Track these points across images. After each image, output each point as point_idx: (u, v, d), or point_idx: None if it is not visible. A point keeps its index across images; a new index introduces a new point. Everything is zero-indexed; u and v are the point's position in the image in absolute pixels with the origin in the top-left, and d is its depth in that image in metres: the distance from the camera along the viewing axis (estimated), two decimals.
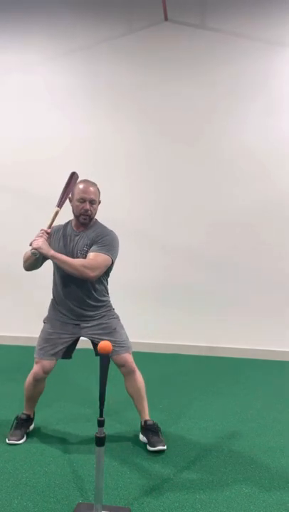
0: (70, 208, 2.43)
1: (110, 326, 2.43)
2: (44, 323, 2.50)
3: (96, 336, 2.38)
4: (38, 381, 2.43)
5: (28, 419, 2.53)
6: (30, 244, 2.27)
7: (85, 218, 2.37)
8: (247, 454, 2.39)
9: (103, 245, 2.33)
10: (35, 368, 2.42)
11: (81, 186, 2.37)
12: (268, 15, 3.82)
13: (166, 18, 3.91)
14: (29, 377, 2.45)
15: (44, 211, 4.08)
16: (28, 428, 2.54)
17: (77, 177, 2.50)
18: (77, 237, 2.40)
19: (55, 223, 2.39)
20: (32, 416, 2.56)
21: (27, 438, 2.48)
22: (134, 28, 3.99)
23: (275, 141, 3.89)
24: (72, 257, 2.34)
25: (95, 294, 2.41)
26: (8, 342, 4.28)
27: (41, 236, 2.29)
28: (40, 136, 4.17)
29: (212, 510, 1.93)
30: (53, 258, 2.29)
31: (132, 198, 4.10)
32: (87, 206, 2.34)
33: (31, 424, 2.56)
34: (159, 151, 4.05)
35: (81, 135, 4.12)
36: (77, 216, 2.39)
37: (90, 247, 2.35)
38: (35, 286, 4.00)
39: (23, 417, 2.51)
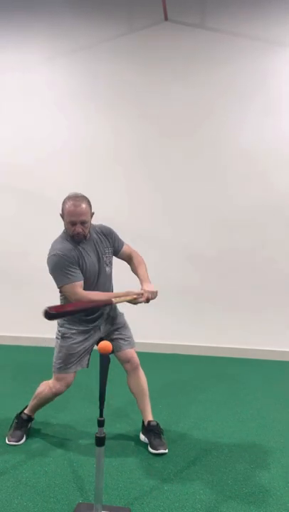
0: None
1: (120, 322, 2.47)
2: (63, 337, 2.35)
3: (109, 331, 2.42)
4: (57, 395, 2.40)
5: (29, 420, 2.53)
6: (147, 300, 2.26)
7: (79, 239, 2.29)
8: (247, 454, 2.39)
9: (119, 238, 2.48)
10: (58, 385, 2.35)
11: (70, 206, 2.24)
12: (267, 15, 3.82)
13: (166, 18, 3.91)
14: (48, 392, 2.38)
15: (44, 212, 4.10)
16: (28, 427, 2.53)
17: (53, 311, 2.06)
18: (89, 247, 2.34)
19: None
20: (33, 417, 2.55)
21: (27, 438, 2.49)
22: (134, 28, 3.99)
23: (274, 141, 3.88)
24: (100, 262, 2.35)
25: (113, 289, 2.50)
26: (8, 342, 4.28)
27: (145, 295, 2.26)
28: (41, 135, 4.16)
29: (212, 510, 1.93)
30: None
31: (132, 197, 4.10)
32: (79, 229, 2.25)
33: (30, 424, 2.56)
34: (158, 151, 4.04)
35: (81, 134, 4.12)
36: (71, 236, 2.29)
37: (110, 249, 2.42)
38: (36, 286, 4.00)
39: (24, 417, 2.51)
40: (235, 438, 2.55)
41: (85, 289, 2.26)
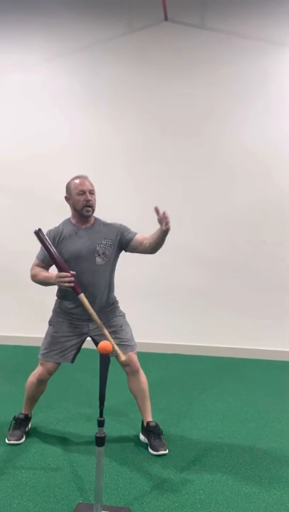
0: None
1: (116, 324, 2.42)
2: (50, 325, 2.45)
3: (102, 335, 2.35)
4: (42, 382, 2.42)
5: (26, 419, 2.52)
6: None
7: (88, 210, 2.35)
8: (247, 454, 2.39)
9: (129, 229, 2.46)
10: (40, 370, 2.41)
11: (77, 181, 2.38)
12: (267, 15, 3.82)
13: (166, 18, 3.91)
14: (32, 378, 2.44)
15: (43, 211, 4.10)
16: (26, 427, 2.53)
17: (43, 234, 2.25)
18: (85, 232, 2.37)
19: None
20: (30, 415, 2.55)
21: (26, 438, 2.49)
22: (134, 28, 3.99)
23: (275, 141, 3.89)
24: (90, 250, 2.31)
25: (110, 287, 2.44)
26: (8, 342, 4.28)
27: None
28: (40, 136, 4.17)
29: (212, 510, 1.93)
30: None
31: (132, 197, 4.10)
32: (89, 197, 2.34)
33: (29, 423, 2.55)
34: (158, 151, 4.05)
35: (81, 135, 4.12)
36: (79, 210, 2.35)
37: (112, 240, 2.38)
38: (35, 286, 3.99)
39: (21, 416, 2.51)
40: (235, 438, 2.55)
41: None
